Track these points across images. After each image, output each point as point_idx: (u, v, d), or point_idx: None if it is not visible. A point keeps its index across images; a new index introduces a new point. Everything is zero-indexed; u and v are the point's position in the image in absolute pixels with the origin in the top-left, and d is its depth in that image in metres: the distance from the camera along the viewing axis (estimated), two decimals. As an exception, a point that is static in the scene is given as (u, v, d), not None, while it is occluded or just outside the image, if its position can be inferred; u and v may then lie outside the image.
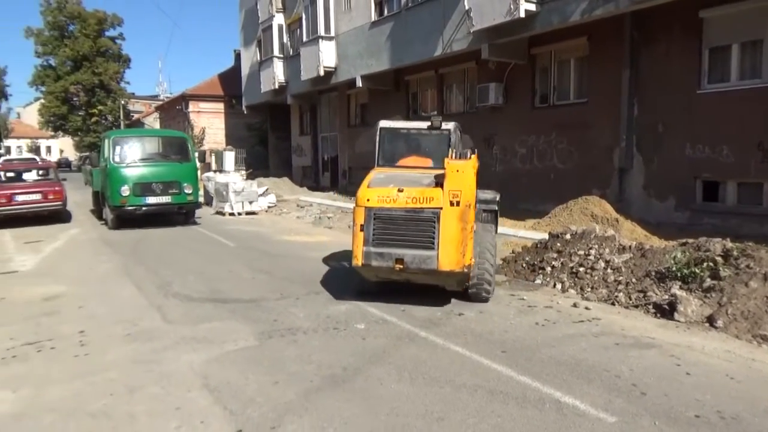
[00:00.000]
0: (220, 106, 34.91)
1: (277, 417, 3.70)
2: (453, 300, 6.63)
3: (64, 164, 57.33)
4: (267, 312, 6.19)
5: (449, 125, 7.58)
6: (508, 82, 14.56)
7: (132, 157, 13.11)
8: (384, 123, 7.44)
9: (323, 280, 7.76)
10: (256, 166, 28.60)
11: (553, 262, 7.74)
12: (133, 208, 12.85)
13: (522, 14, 11.86)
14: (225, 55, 70.33)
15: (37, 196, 14.30)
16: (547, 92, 13.92)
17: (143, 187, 12.87)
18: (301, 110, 26.26)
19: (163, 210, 13.30)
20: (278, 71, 24.03)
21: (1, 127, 58.45)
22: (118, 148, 13.04)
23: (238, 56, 33.20)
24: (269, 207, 17.58)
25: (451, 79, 17.17)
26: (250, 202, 16.69)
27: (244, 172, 22.68)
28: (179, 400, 3.99)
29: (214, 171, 21.92)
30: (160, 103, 49.14)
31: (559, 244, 8.12)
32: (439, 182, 6.15)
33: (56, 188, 14.64)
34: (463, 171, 5.96)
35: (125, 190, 12.69)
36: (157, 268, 8.66)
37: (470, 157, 6.23)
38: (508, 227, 11.77)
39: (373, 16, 18.02)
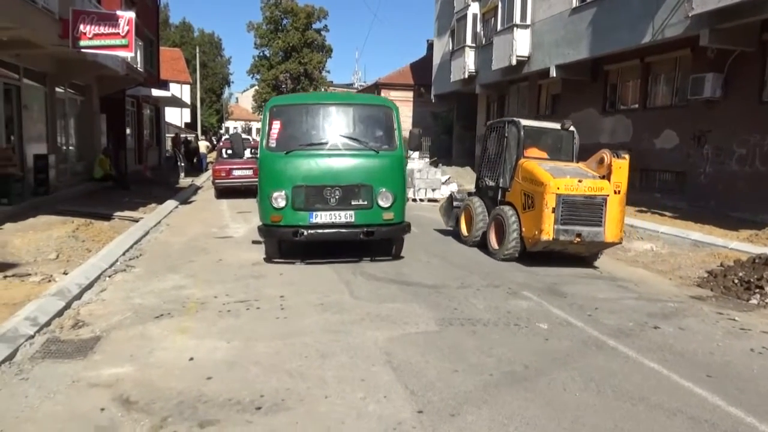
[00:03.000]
0: (410, 94, 36.04)
1: (456, 405, 3.71)
2: (646, 311, 6.08)
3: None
4: (448, 299, 6.25)
5: (572, 127, 9.42)
6: (729, 73, 12.80)
7: (295, 139, 7.78)
8: (524, 122, 9.13)
9: (502, 274, 7.63)
10: (439, 154, 29.02)
11: (776, 282, 6.68)
12: (292, 229, 7.50)
13: (756, -6, 10.30)
14: (418, 45, 72.33)
15: (249, 172, 16.14)
16: (781, 84, 11.96)
17: (309, 194, 7.51)
18: (488, 100, 25.98)
19: (341, 236, 7.68)
20: (469, 61, 24.03)
21: (224, 110, 67.04)
22: (276, 124, 7.84)
23: (430, 46, 33.92)
24: (451, 195, 17.74)
25: (659, 69, 15.60)
26: (433, 190, 17.03)
27: (428, 160, 23.17)
28: (364, 373, 4.20)
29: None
30: (355, 91, 52.23)
31: (785, 262, 6.98)
32: (603, 175, 7.99)
33: (265, 166, 16.36)
34: (623, 168, 7.89)
35: (279, 198, 7.48)
36: (346, 246, 9.21)
37: (626, 157, 7.97)
38: (716, 236, 10.43)
39: (575, 2, 17.05)
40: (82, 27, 11.26)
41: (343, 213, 7.60)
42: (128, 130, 22.27)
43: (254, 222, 11.75)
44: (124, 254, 8.11)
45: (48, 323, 5.04)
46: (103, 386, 3.92)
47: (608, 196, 7.76)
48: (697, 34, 12.16)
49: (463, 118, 29.65)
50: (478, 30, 23.82)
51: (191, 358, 4.43)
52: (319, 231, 7.57)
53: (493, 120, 10.23)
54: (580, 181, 7.77)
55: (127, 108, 22.05)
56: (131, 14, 11.87)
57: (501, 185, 9.12)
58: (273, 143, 7.75)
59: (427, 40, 36.88)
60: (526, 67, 19.71)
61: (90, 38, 11.40)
